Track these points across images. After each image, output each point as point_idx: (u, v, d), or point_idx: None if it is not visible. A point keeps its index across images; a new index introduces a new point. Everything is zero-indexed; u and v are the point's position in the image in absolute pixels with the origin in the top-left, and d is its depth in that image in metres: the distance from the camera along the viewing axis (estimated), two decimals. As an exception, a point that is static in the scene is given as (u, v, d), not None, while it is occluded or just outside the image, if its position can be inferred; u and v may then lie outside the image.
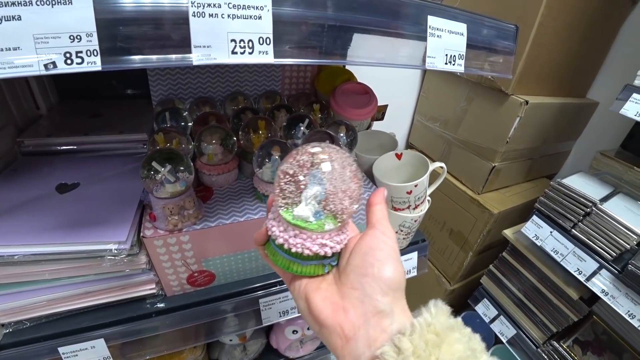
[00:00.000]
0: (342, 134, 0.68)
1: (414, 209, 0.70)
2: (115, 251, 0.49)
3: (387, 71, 1.26)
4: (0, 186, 0.59)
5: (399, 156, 0.73)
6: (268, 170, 0.59)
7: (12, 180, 0.61)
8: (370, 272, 0.32)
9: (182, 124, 0.69)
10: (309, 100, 0.77)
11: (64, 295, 0.57)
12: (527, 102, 1.03)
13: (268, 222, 0.35)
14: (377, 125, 0.85)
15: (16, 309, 0.56)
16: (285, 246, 0.33)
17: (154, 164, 0.51)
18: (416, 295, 1.60)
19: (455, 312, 1.41)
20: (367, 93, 0.78)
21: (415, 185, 0.66)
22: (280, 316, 0.67)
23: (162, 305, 0.61)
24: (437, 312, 0.31)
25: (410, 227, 0.71)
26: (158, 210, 0.53)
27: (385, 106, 0.86)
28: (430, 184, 0.72)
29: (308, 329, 0.86)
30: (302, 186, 0.32)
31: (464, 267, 1.29)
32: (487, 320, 1.23)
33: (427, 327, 0.29)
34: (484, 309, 1.24)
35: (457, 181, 1.26)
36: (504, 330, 1.19)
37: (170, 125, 0.67)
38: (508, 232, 1.12)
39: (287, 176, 0.33)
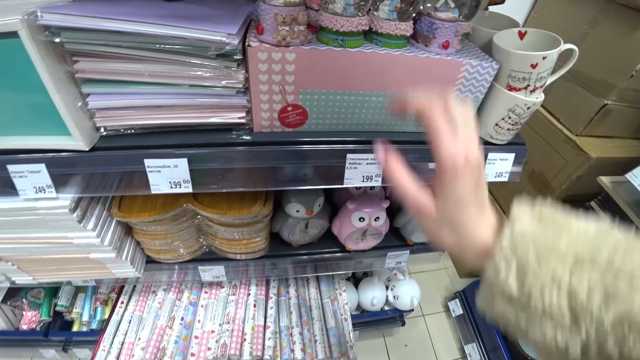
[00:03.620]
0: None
1: (531, 91, 0.61)
2: (225, 41, 0.46)
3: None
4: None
5: (521, 35, 0.64)
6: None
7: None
8: None
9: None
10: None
11: (159, 103, 0.56)
12: (671, 27, 0.87)
13: None
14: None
15: (113, 112, 0.57)
16: None
17: (273, -39, 0.47)
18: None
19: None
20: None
21: (544, 58, 0.57)
22: (363, 181, 0.63)
23: (248, 137, 0.59)
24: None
25: (520, 115, 0.63)
26: (268, 20, 0.49)
27: (509, -13, 0.75)
28: (553, 72, 0.63)
29: (376, 219, 0.82)
30: None
31: (537, 214, 1.19)
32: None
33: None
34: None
35: (553, 117, 1.13)
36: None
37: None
38: (605, 179, 1.00)
39: None
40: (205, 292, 1.07)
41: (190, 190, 0.61)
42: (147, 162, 0.58)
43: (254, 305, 1.03)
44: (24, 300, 1.22)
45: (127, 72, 0.53)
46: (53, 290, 1.26)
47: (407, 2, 0.56)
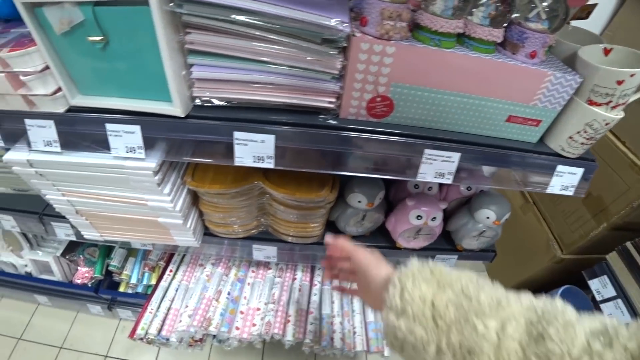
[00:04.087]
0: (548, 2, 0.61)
1: (612, 108, 0.62)
2: (339, 28, 0.50)
3: None
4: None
5: (607, 51, 0.65)
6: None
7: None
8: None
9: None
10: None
11: (257, 79, 0.59)
12: None
13: None
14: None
15: (211, 84, 0.61)
16: None
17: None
18: (518, 255, 1.49)
19: (554, 285, 1.29)
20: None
21: (631, 75, 0.57)
22: (436, 177, 0.65)
23: (334, 122, 0.63)
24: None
25: (597, 130, 0.64)
26: (374, 13, 0.53)
27: (594, 5, 0.75)
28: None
29: (433, 219, 0.84)
30: None
31: (588, 238, 1.17)
32: (598, 298, 1.12)
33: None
34: (600, 285, 1.12)
35: (618, 140, 1.11)
36: (616, 314, 1.08)
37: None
38: (668, 209, 0.98)
39: None
40: (253, 272, 1.11)
41: (272, 166, 0.65)
42: (237, 134, 0.62)
43: (299, 290, 1.06)
44: (80, 256, 1.31)
45: (232, 47, 0.56)
46: (107, 251, 1.35)
47: (504, 10, 0.58)
